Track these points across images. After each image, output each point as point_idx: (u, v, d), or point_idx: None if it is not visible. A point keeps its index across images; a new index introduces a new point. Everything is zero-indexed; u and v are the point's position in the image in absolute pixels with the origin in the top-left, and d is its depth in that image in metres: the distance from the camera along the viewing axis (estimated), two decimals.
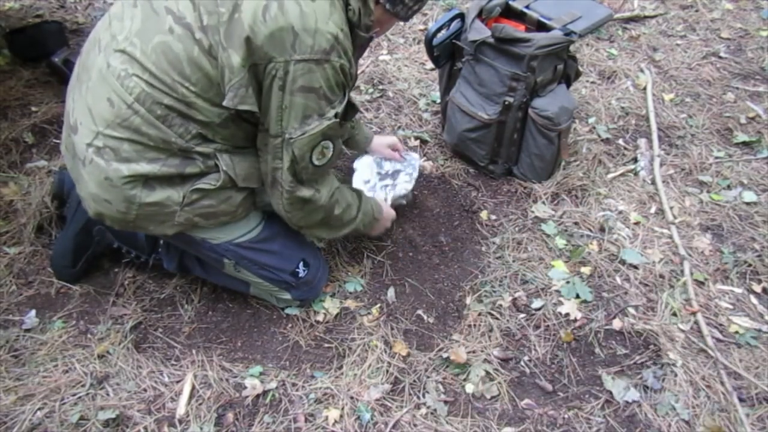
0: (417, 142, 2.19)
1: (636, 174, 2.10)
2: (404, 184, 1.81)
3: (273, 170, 1.26)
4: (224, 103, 1.15)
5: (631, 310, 1.66)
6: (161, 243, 1.56)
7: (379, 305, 1.64)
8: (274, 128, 1.19)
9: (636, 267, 1.77)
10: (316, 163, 1.26)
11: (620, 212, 1.95)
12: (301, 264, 1.49)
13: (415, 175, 1.85)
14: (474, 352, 1.53)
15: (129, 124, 1.16)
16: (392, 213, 1.71)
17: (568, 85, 1.96)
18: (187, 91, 1.14)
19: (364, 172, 1.87)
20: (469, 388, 1.46)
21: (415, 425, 1.38)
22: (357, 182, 1.83)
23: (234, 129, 1.23)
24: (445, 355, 1.52)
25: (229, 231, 1.38)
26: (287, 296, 1.54)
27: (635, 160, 2.15)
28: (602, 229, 1.88)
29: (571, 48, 1.88)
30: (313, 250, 1.59)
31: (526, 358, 1.55)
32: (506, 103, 1.83)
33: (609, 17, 1.93)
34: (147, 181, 1.20)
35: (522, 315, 1.64)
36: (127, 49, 1.14)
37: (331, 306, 1.62)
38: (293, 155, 1.22)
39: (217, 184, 1.25)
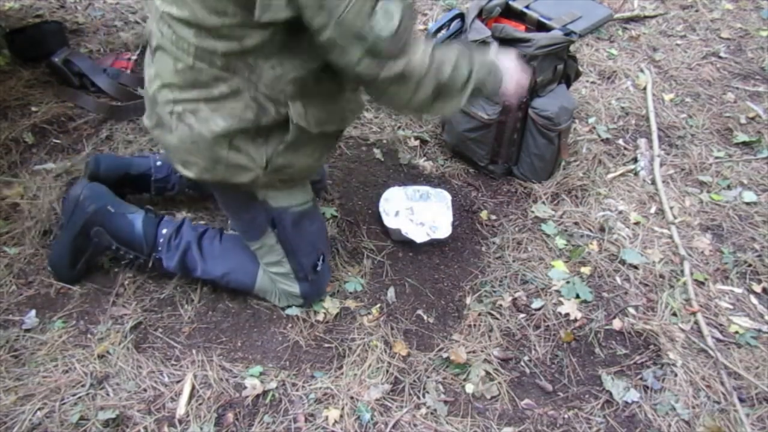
0: (417, 142, 2.19)
1: (636, 174, 2.10)
2: (447, 228, 1.81)
3: (348, 67, 1.13)
4: (262, 20, 1.08)
5: (631, 310, 1.66)
6: (160, 242, 1.55)
7: (379, 305, 1.64)
8: (320, 17, 1.05)
9: (636, 267, 1.77)
10: (384, 32, 1.07)
11: (620, 212, 1.95)
12: (321, 258, 1.53)
13: (451, 216, 1.85)
14: (474, 352, 1.54)
15: (199, 84, 1.19)
16: (514, 71, 1.61)
17: (568, 85, 1.96)
18: (228, 29, 1.11)
19: (396, 202, 1.88)
20: (469, 388, 1.46)
21: (415, 425, 1.38)
22: (388, 213, 1.84)
23: (293, 51, 1.17)
24: (445, 355, 1.52)
25: (290, 197, 1.42)
26: (296, 288, 1.53)
27: (635, 160, 2.15)
28: (602, 229, 1.88)
29: (571, 48, 1.88)
30: (328, 248, 1.61)
31: (526, 358, 1.55)
32: (506, 103, 1.83)
33: (609, 17, 1.93)
34: (231, 141, 1.24)
35: (522, 315, 1.64)
36: (168, 11, 1.16)
37: (331, 306, 1.62)
38: (354, 33, 1.06)
39: (292, 136, 1.26)
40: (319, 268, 1.53)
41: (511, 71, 1.68)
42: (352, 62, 1.11)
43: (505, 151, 1.97)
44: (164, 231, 1.55)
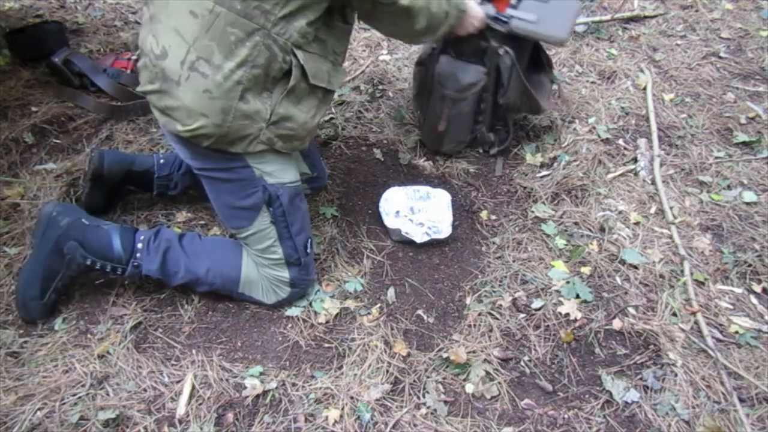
0: (417, 142, 2.19)
1: (636, 174, 2.10)
2: (447, 228, 1.81)
3: None
4: None
5: (631, 310, 1.66)
6: (138, 247, 1.50)
7: (379, 305, 1.64)
8: None
9: (636, 267, 1.77)
10: None
11: (620, 212, 1.95)
12: (309, 241, 1.56)
13: (451, 216, 1.85)
14: (474, 352, 1.54)
15: (215, 30, 1.24)
16: (479, 13, 1.75)
17: (542, 68, 2.05)
18: None
19: (396, 202, 1.87)
20: (469, 388, 1.46)
21: (415, 425, 1.38)
22: (388, 213, 1.84)
23: (302, 11, 1.28)
24: (445, 355, 1.52)
25: (284, 173, 1.47)
26: (285, 274, 1.53)
27: (635, 160, 2.15)
28: (602, 229, 1.88)
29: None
30: (312, 237, 1.63)
31: (526, 358, 1.55)
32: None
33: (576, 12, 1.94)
34: (243, 91, 1.29)
35: (522, 315, 1.64)
36: None
37: (331, 306, 1.62)
38: None
39: (292, 82, 1.33)
40: (309, 250, 1.56)
41: (474, 6, 1.75)
42: None
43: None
44: (142, 237, 1.52)
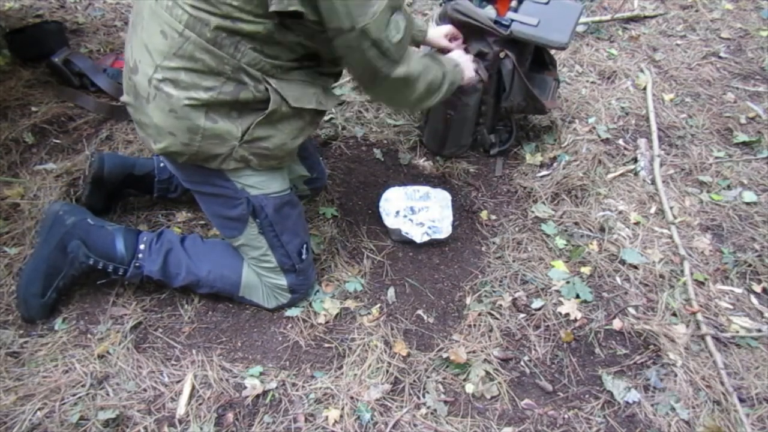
0: (417, 142, 2.19)
1: (636, 174, 2.10)
2: (447, 228, 1.81)
3: (366, 65, 1.30)
4: (271, 9, 1.17)
5: (631, 310, 1.66)
6: (140, 248, 1.51)
7: (379, 305, 1.64)
8: (345, 23, 1.21)
9: (636, 267, 1.77)
10: (395, 39, 1.29)
11: (620, 212, 1.95)
12: (304, 246, 1.53)
13: (451, 216, 1.85)
14: (474, 352, 1.54)
15: (183, 53, 1.21)
16: (469, 62, 1.75)
17: (543, 68, 2.06)
18: (229, 8, 1.18)
19: (396, 202, 1.87)
20: (469, 388, 1.46)
21: (415, 425, 1.38)
22: (388, 213, 1.83)
23: (278, 44, 1.26)
24: (445, 355, 1.52)
25: (268, 183, 1.43)
26: (283, 281, 1.53)
27: (635, 160, 2.15)
28: (602, 229, 1.88)
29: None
30: (309, 238, 1.61)
31: (526, 358, 1.55)
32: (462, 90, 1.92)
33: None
34: (208, 112, 1.26)
35: (522, 315, 1.64)
36: None
37: (331, 306, 1.62)
38: (373, 40, 1.25)
39: (272, 107, 1.30)
40: (304, 256, 1.54)
41: (467, 64, 1.74)
42: (367, 62, 1.29)
43: None
44: (145, 238, 1.53)
